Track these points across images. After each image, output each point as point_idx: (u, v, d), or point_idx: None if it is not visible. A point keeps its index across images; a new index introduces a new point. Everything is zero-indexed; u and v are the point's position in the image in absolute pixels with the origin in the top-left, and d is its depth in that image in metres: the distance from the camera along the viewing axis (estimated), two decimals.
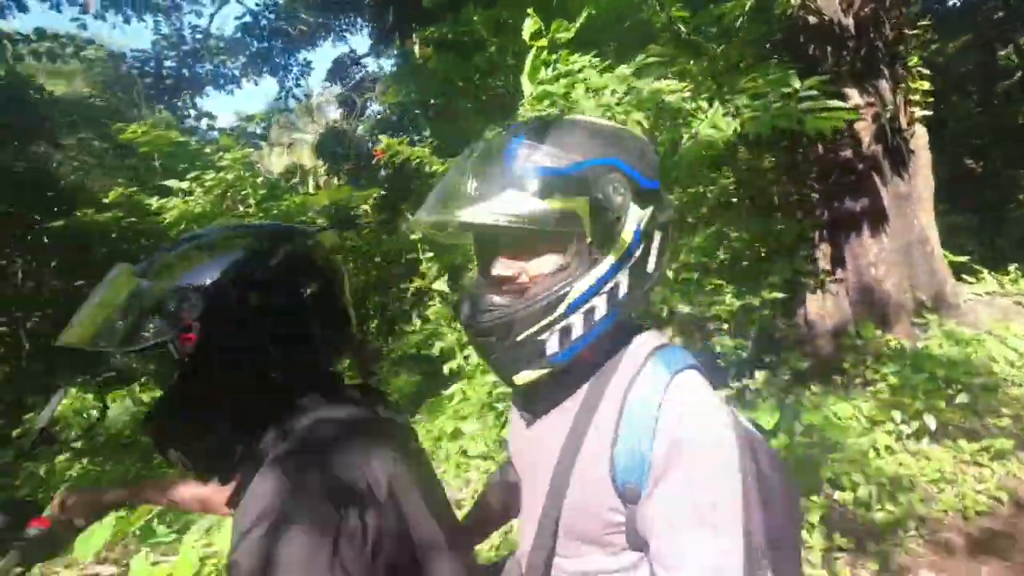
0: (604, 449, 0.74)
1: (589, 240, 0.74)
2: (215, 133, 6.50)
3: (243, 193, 5.47)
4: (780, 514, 0.79)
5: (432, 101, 6.16)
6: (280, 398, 0.85)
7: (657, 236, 0.80)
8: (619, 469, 0.72)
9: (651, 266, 0.80)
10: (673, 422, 0.71)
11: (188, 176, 5.00)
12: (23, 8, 6.37)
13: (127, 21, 6.86)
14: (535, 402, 0.88)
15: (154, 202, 5.07)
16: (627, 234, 0.76)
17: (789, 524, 0.83)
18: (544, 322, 0.74)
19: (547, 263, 0.75)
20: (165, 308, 0.79)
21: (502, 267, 0.77)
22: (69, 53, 6.69)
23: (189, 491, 1.19)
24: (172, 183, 5.01)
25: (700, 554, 0.67)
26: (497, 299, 0.76)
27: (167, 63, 7.34)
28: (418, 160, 4.16)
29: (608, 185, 0.74)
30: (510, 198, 0.71)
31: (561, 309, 0.74)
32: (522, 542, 0.89)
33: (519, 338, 0.75)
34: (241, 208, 5.42)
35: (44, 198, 5.68)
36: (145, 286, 0.82)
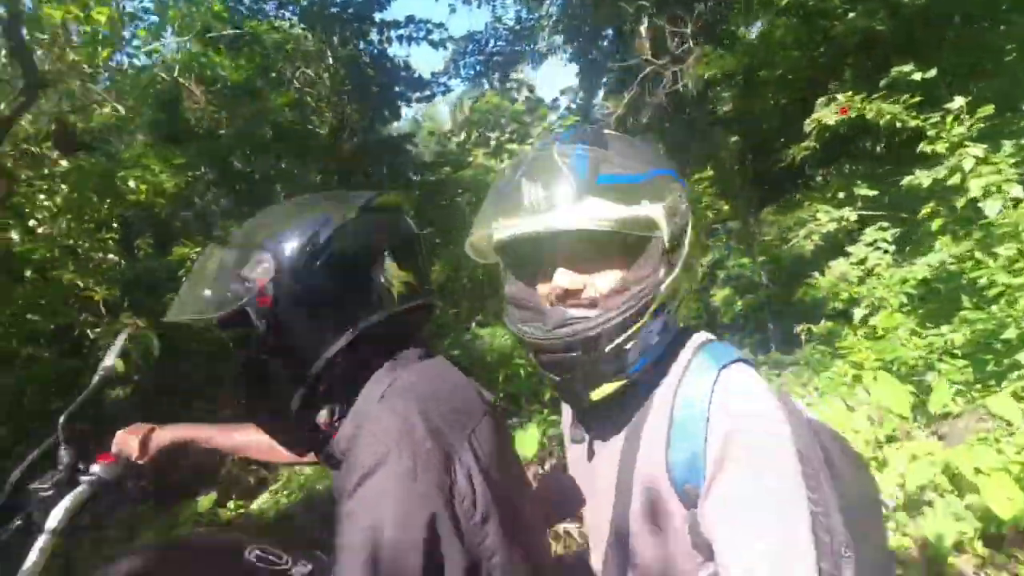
0: (659, 453, 0.74)
1: (667, 247, 0.73)
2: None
3: None
4: (854, 503, 0.76)
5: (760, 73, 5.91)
6: (365, 362, 0.82)
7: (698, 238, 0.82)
8: (676, 472, 0.72)
9: (697, 266, 0.83)
10: (723, 416, 0.70)
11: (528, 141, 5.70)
12: None
13: (479, 6, 8.09)
14: (590, 413, 0.86)
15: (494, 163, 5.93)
16: (692, 237, 0.77)
17: (867, 514, 0.79)
18: (630, 331, 0.72)
19: (617, 270, 0.74)
20: (241, 272, 0.79)
21: (567, 279, 0.74)
22: (421, 36, 8.02)
23: (258, 437, 1.11)
24: (514, 147, 5.77)
25: (764, 543, 0.65)
26: (578, 310, 0.74)
27: (499, 42, 8.49)
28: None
29: (674, 193, 0.75)
30: (594, 205, 0.69)
31: (646, 317, 0.73)
32: (594, 559, 0.89)
33: (606, 350, 0.72)
34: None
35: (409, 159, 7.03)
36: (227, 254, 0.83)
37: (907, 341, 2.92)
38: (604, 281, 0.74)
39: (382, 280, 0.83)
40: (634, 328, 0.72)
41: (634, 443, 0.77)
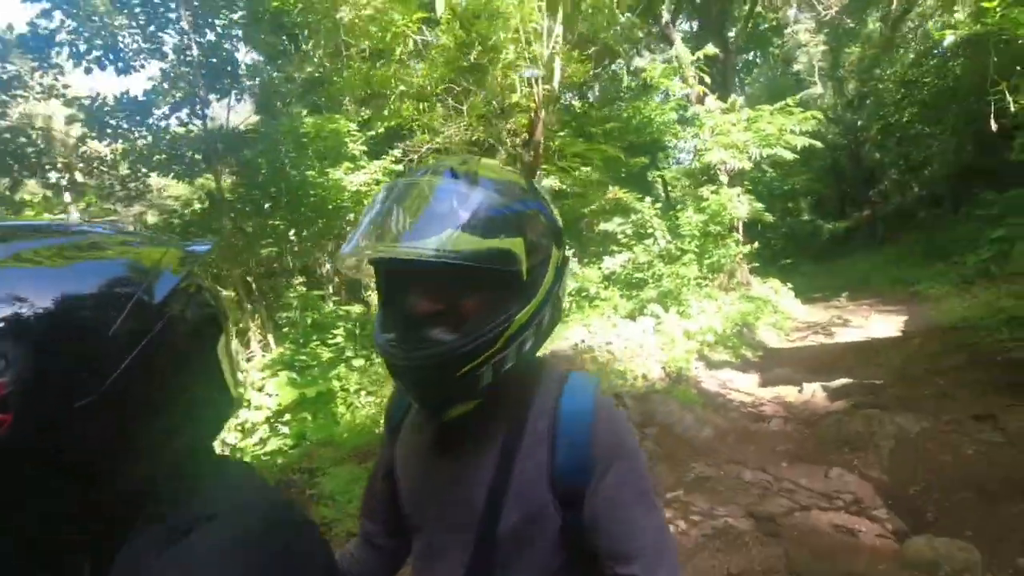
0: (542, 463, 0.80)
1: (525, 278, 0.77)
2: None
3: None
4: None
5: None
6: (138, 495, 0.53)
7: (567, 272, 0.90)
8: (560, 476, 0.79)
9: (564, 300, 0.90)
10: (608, 425, 0.82)
11: None
12: None
13: None
14: (451, 438, 0.87)
15: None
16: (551, 272, 0.83)
17: None
18: (484, 356, 0.76)
19: (477, 299, 0.77)
20: None
21: (429, 303, 0.76)
22: None
23: None
24: None
25: (649, 529, 0.80)
26: (436, 334, 0.76)
27: None
28: None
29: (537, 227, 0.80)
30: (452, 236, 0.71)
31: (500, 344, 0.77)
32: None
33: (459, 373, 0.76)
34: None
35: None
36: None
37: None
38: (464, 308, 0.77)
39: (185, 377, 0.56)
40: (485, 355, 0.76)
41: (509, 458, 0.81)
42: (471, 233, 0.72)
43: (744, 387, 5.85)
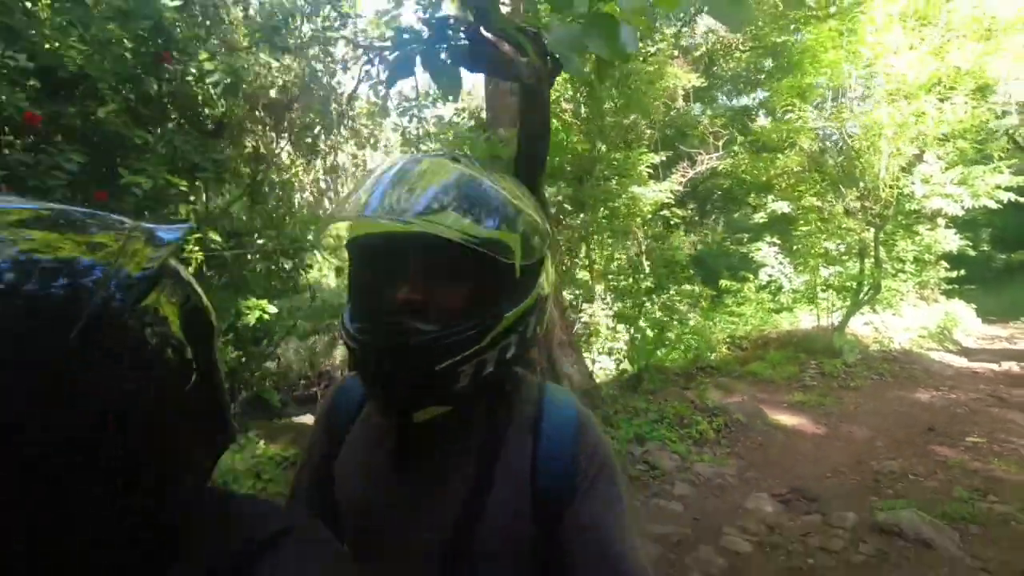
0: (523, 479, 0.79)
1: (518, 276, 0.75)
2: None
3: None
4: None
5: None
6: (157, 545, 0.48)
7: (551, 284, 0.87)
8: (542, 490, 0.79)
9: (548, 313, 0.87)
10: (591, 439, 0.83)
11: None
12: None
13: None
14: (416, 454, 0.83)
15: None
16: (544, 280, 0.82)
17: None
18: (468, 352, 0.73)
19: (465, 291, 0.75)
20: None
21: (409, 290, 0.73)
22: None
23: None
24: None
25: (629, 552, 0.77)
26: (419, 323, 0.72)
27: None
28: None
29: (533, 228, 0.79)
30: (459, 219, 0.71)
31: (485, 341, 0.74)
32: None
33: (439, 367, 0.72)
34: None
35: None
36: None
37: None
38: (448, 299, 0.74)
39: (179, 396, 0.49)
40: (470, 351, 0.73)
41: (486, 475, 0.79)
42: (474, 220, 0.72)
43: (956, 362, 9.27)
